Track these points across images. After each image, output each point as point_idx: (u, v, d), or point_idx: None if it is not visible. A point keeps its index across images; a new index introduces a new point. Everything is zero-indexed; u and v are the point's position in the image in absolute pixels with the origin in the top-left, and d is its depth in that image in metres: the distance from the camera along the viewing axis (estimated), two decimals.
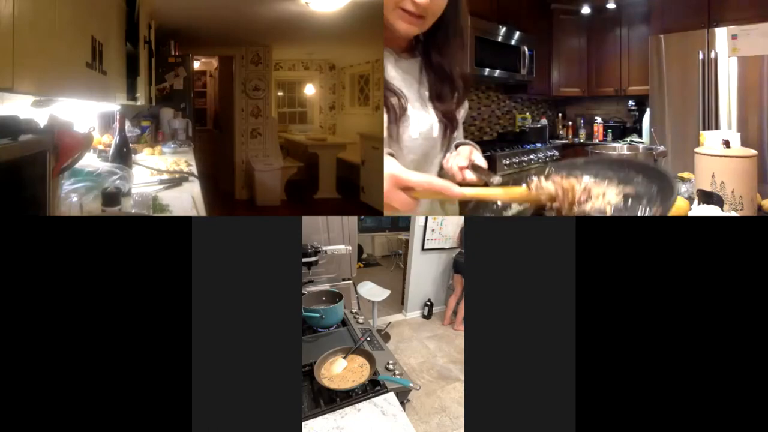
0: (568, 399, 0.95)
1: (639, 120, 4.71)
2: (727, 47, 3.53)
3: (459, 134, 1.28)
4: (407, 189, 0.89)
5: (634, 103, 4.84)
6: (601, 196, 0.92)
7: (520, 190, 0.94)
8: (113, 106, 2.53)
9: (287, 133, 6.46)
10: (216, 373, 0.95)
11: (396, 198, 0.90)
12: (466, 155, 1.11)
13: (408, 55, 1.18)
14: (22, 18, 0.89)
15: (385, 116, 1.09)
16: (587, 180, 0.96)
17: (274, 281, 0.97)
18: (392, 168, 0.91)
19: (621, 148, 3.10)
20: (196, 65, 6.02)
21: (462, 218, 3.75)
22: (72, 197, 1.47)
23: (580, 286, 0.95)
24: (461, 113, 1.26)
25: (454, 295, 4.39)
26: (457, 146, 1.20)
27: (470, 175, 1.06)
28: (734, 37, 3.50)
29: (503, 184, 0.96)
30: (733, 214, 1.42)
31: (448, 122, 1.19)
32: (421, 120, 1.15)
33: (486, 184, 0.99)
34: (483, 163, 1.10)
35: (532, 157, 4.09)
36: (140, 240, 0.94)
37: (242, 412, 0.95)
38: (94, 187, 1.53)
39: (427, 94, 1.18)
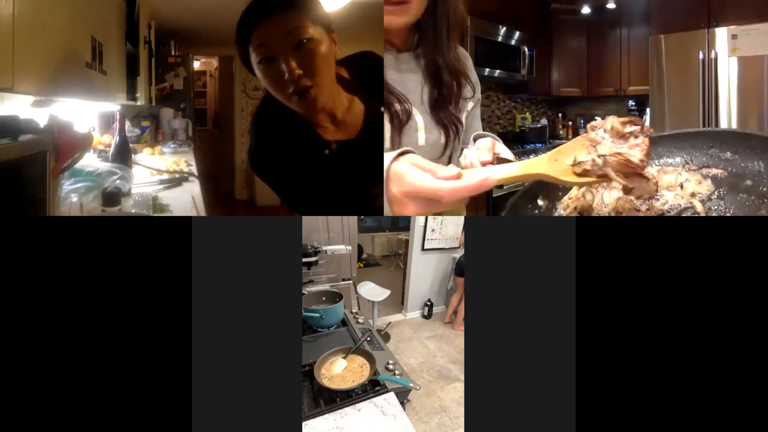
0: (568, 399, 0.95)
1: None
2: (727, 47, 3.53)
3: (478, 128, 1.20)
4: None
5: (634, 103, 4.84)
6: (678, 187, 0.73)
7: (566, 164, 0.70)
8: (113, 106, 2.53)
9: None
10: (216, 373, 0.95)
11: (413, 206, 0.73)
12: (489, 148, 0.95)
13: (409, 54, 1.11)
14: (22, 18, 0.90)
15: (387, 124, 1.03)
16: (650, 170, 0.73)
17: (274, 281, 0.97)
18: (402, 174, 0.73)
19: None
20: (196, 65, 6.01)
21: (462, 218, 3.74)
22: (72, 197, 1.47)
23: (580, 286, 0.95)
24: (467, 109, 1.18)
25: (457, 294, 4.39)
26: (475, 139, 1.08)
27: None
28: (734, 37, 3.50)
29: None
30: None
31: (451, 124, 1.12)
32: (427, 125, 1.08)
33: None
34: (510, 156, 0.95)
35: (532, 157, 4.08)
36: (140, 240, 0.94)
37: (242, 412, 0.95)
38: (94, 187, 1.53)
39: (428, 95, 1.11)
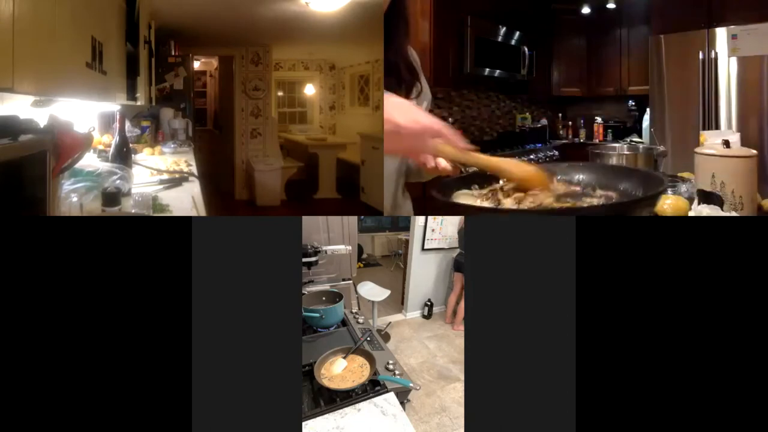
0: (568, 399, 0.95)
1: (639, 120, 4.70)
2: (727, 47, 3.52)
3: None
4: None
5: (634, 103, 4.84)
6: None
7: (530, 172, 0.87)
8: (113, 106, 2.53)
9: (287, 133, 6.45)
10: (216, 373, 0.95)
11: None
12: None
13: None
14: (22, 18, 0.89)
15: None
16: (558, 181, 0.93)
17: (274, 281, 0.97)
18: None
19: (621, 148, 3.10)
20: (196, 65, 6.01)
21: (462, 218, 3.74)
22: (72, 197, 1.47)
23: (580, 286, 0.95)
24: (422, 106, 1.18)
25: (453, 293, 4.39)
26: None
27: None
28: (734, 37, 3.50)
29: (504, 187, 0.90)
30: (733, 214, 1.42)
31: None
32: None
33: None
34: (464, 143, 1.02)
35: (532, 157, 4.09)
36: (140, 240, 0.94)
37: (242, 412, 0.95)
38: (94, 187, 1.53)
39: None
